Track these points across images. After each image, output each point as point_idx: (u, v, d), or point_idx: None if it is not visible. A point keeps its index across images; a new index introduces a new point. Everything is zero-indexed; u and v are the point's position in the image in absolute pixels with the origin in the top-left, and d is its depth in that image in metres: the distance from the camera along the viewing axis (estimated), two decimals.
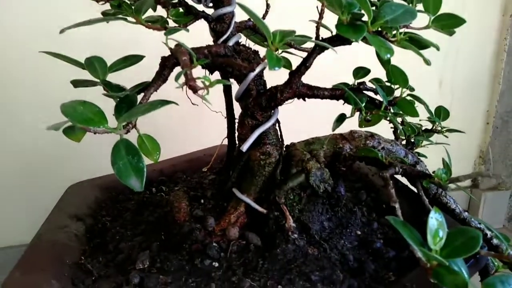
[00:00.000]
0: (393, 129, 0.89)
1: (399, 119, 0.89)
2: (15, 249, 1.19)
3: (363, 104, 0.54)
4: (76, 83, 0.58)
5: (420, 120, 0.87)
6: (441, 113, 0.84)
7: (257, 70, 0.57)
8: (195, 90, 0.41)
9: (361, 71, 0.64)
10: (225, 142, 0.72)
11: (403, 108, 0.62)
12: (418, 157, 0.76)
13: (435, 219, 0.44)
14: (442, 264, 0.40)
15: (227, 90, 0.67)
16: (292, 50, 0.62)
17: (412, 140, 0.87)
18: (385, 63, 0.60)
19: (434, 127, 0.87)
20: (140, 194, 0.85)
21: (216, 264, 0.55)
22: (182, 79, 0.42)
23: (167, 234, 0.61)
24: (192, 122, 1.20)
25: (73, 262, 0.59)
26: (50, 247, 0.60)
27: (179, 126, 1.20)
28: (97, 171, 0.89)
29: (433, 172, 0.59)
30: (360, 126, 0.65)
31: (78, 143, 0.47)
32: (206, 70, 0.55)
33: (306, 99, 0.59)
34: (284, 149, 0.66)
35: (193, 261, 0.56)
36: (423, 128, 0.87)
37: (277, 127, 0.65)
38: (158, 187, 0.86)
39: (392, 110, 0.62)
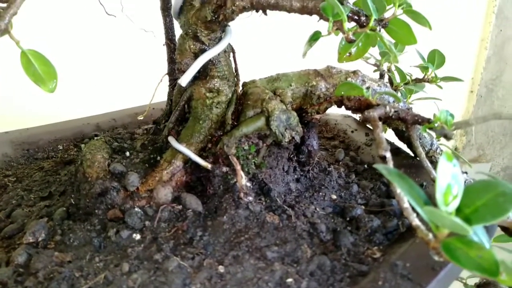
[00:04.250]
0: (378, 73, 0.74)
1: (386, 65, 0.74)
2: None
3: (346, 14, 0.39)
4: None
5: (410, 67, 0.73)
6: (435, 57, 0.70)
7: None
8: None
9: None
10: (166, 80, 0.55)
11: (397, 33, 0.47)
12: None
13: (446, 169, 0.29)
14: (461, 232, 0.26)
15: (165, 5, 0.50)
16: None
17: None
18: None
19: (426, 76, 0.73)
20: (66, 151, 0.68)
21: (137, 237, 0.40)
22: None
23: (78, 196, 0.45)
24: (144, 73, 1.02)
25: None
26: None
27: (128, 76, 1.02)
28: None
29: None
30: (339, 60, 0.50)
31: None
32: None
33: (267, 12, 0.43)
34: (241, 87, 0.50)
35: (106, 232, 0.40)
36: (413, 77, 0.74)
37: (231, 57, 0.49)
38: None
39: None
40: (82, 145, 0.69)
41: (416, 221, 0.33)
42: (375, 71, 0.77)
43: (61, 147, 0.69)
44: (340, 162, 0.61)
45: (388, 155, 0.37)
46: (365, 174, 0.58)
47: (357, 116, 0.80)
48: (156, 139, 0.49)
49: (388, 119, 0.44)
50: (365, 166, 0.60)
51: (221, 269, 0.35)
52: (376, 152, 0.63)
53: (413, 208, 0.33)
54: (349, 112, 0.57)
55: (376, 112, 0.40)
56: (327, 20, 0.42)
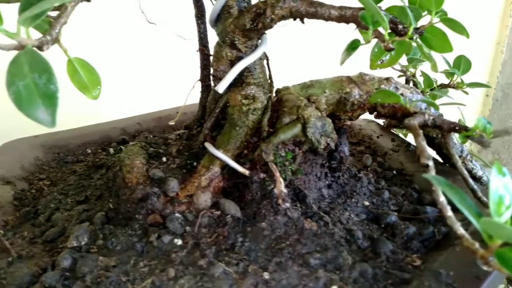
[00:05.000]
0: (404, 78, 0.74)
1: (411, 70, 0.74)
2: None
3: (387, 21, 0.39)
4: None
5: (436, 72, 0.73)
6: (461, 63, 0.70)
7: None
8: None
9: None
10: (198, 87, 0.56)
11: (431, 40, 0.47)
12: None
13: (497, 180, 0.30)
14: None
15: (199, 13, 0.51)
16: None
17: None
18: None
19: (451, 81, 0.73)
20: (95, 155, 0.69)
21: (179, 242, 0.40)
22: None
23: (116, 201, 0.45)
24: (167, 76, 1.03)
25: None
26: None
27: (151, 81, 1.03)
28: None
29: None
30: (372, 67, 0.50)
31: None
32: None
33: (305, 20, 0.43)
34: (274, 93, 0.51)
35: (147, 237, 0.41)
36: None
37: (265, 64, 0.49)
38: (117, 148, 0.70)
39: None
40: (110, 149, 0.70)
41: (461, 230, 0.33)
42: (399, 76, 0.77)
43: (89, 151, 0.70)
44: (368, 168, 0.62)
45: (430, 163, 0.37)
46: (394, 180, 0.59)
47: (381, 121, 0.80)
48: (191, 144, 0.50)
49: (426, 127, 0.44)
50: (394, 172, 0.60)
51: (266, 275, 0.35)
52: (403, 158, 0.64)
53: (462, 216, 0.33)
54: (371, 117, 0.58)
55: (416, 120, 0.40)
56: (365, 28, 0.42)
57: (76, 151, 0.69)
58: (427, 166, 0.37)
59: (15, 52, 0.30)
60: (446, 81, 0.73)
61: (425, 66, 0.73)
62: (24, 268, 0.39)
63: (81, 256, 0.39)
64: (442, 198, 0.36)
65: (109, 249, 0.41)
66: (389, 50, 0.41)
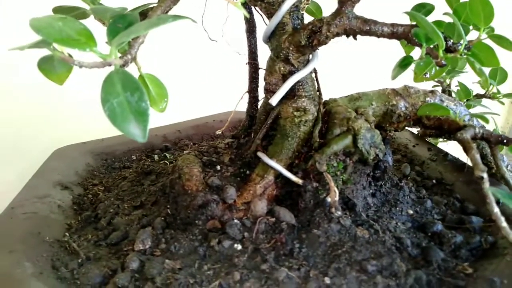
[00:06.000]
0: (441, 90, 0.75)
1: (447, 80, 0.76)
2: None
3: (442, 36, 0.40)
4: (58, 11, 0.45)
5: (472, 83, 0.74)
6: (498, 74, 0.71)
7: None
8: None
9: (422, 9, 0.50)
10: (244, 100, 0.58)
11: (478, 55, 0.48)
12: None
13: None
14: None
15: (250, 28, 0.53)
16: None
17: None
18: None
19: (487, 92, 0.74)
20: (140, 161, 0.72)
21: (239, 247, 0.42)
22: None
23: (175, 207, 0.48)
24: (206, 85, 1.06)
25: (55, 239, 0.47)
26: (24, 220, 0.47)
27: (189, 88, 1.06)
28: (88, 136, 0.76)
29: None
30: (416, 80, 0.52)
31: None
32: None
33: (357, 37, 0.45)
34: (322, 105, 0.53)
35: (208, 242, 0.43)
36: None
37: (314, 77, 0.51)
38: (161, 155, 0.73)
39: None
40: (155, 156, 0.73)
41: None
42: (434, 86, 0.78)
43: (134, 157, 0.73)
44: (408, 177, 0.63)
45: (485, 175, 0.38)
46: (434, 189, 0.60)
47: (415, 130, 0.82)
48: (242, 153, 0.52)
49: (475, 139, 0.46)
50: (433, 181, 0.62)
51: (327, 280, 0.37)
52: (442, 168, 0.65)
53: None
54: None
55: (467, 134, 0.42)
56: (417, 45, 0.44)
57: (122, 158, 0.72)
58: (482, 178, 0.38)
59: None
60: (481, 91, 0.74)
61: (462, 77, 0.74)
62: (95, 269, 0.42)
63: (147, 259, 0.42)
64: (496, 209, 0.37)
65: (172, 252, 0.43)
66: (441, 66, 0.43)
